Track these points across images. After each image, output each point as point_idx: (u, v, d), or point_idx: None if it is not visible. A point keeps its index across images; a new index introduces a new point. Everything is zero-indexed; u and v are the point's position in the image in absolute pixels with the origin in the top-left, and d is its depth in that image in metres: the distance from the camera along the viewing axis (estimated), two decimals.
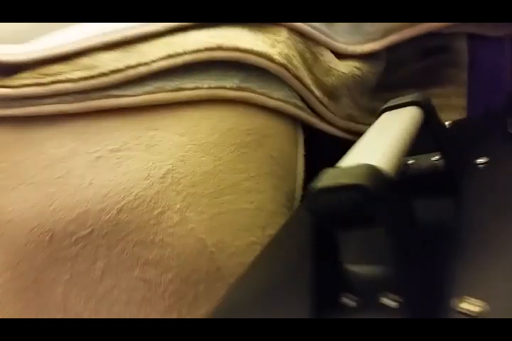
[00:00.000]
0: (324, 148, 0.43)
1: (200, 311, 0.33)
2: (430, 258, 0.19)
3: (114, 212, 0.33)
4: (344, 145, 0.23)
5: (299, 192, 0.41)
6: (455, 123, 0.38)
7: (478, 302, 0.16)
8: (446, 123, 0.37)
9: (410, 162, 0.31)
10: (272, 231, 0.36)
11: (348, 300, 0.18)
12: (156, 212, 0.34)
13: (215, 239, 0.34)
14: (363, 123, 0.46)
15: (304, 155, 0.43)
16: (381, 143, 0.22)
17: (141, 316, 0.32)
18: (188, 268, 0.33)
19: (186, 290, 0.33)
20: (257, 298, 0.24)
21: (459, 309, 0.17)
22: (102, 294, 0.33)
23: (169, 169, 0.35)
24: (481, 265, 0.19)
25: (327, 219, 0.19)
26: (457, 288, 0.18)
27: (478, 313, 0.16)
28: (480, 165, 0.30)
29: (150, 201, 0.34)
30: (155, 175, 0.34)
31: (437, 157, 0.29)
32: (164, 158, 0.35)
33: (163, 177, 0.35)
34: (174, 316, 0.32)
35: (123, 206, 0.34)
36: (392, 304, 0.17)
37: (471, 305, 0.16)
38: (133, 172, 0.35)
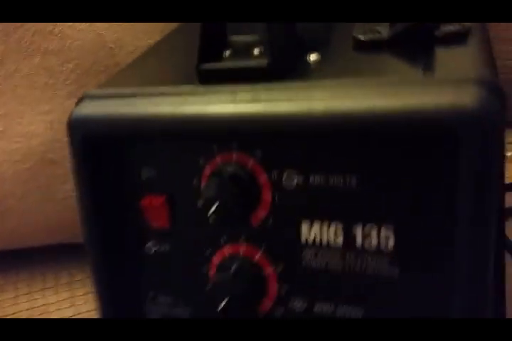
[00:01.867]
0: None
1: None
2: None
3: None
4: None
5: None
6: None
7: None
8: None
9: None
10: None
11: (227, 55, 0.23)
12: None
13: (115, 37, 0.36)
14: None
15: None
16: None
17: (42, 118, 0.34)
18: (89, 60, 0.35)
19: (87, 80, 0.35)
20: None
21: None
22: (3, 78, 0.34)
23: None
24: None
25: None
26: None
27: None
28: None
29: None
30: None
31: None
32: None
33: None
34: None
35: None
36: (257, 53, 0.23)
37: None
38: None
